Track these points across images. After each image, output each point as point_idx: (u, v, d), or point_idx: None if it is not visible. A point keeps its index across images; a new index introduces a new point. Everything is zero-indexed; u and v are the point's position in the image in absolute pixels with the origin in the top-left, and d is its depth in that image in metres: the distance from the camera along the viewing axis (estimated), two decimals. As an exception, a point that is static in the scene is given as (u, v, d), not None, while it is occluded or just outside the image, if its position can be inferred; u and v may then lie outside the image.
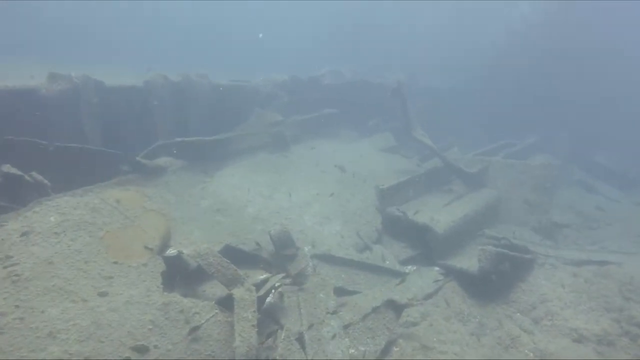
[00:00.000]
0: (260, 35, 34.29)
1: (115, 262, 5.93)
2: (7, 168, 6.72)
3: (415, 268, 8.66)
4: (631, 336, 6.78)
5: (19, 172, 6.78)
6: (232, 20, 43.88)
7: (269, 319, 6.34)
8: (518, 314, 7.61)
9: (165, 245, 6.74)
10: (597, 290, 7.81)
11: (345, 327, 6.33)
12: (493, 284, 7.79)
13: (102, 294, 5.46)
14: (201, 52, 30.81)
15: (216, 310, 5.78)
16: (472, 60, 22.82)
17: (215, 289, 6.52)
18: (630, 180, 16.48)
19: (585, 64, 20.15)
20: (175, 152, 9.57)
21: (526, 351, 6.63)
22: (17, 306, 4.98)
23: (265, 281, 6.72)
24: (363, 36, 30.29)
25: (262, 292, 6.40)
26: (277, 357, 5.47)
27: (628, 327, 6.93)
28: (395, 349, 6.29)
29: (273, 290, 6.64)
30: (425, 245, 8.98)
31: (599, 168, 16.64)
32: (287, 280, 6.99)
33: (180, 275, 6.57)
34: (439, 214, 9.39)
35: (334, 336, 5.99)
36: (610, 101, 20.22)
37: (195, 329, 5.43)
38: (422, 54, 26.28)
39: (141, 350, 5.02)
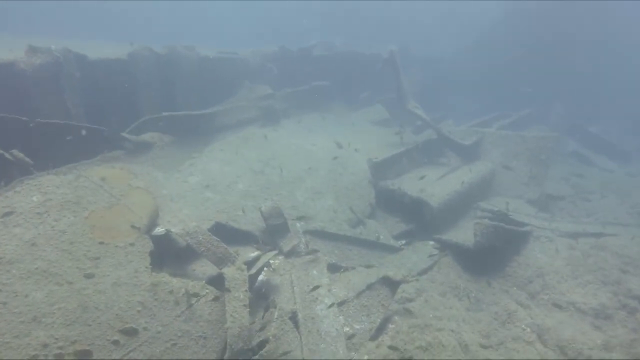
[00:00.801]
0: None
1: (102, 243, 5.72)
2: (-14, 146, 6.46)
3: (409, 243, 8.54)
4: (629, 309, 6.71)
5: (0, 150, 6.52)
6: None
7: (261, 298, 6.21)
8: (514, 288, 7.51)
9: (153, 224, 6.53)
10: (594, 262, 7.71)
11: (340, 304, 6.20)
12: (489, 258, 7.69)
13: (89, 276, 5.27)
14: (191, 28, 30.27)
15: (207, 290, 5.62)
16: (468, 30, 22.63)
17: (206, 268, 6.37)
18: (624, 151, 16.44)
19: (580, 36, 20.02)
20: (161, 124, 9.29)
21: (523, 326, 6.54)
22: (-1, 290, 4.80)
23: (256, 259, 6.59)
24: (358, 10, 29.84)
25: (253, 270, 6.26)
26: (270, 337, 5.34)
27: (625, 300, 6.86)
28: (390, 325, 6.17)
29: (265, 269, 6.50)
30: (420, 220, 8.85)
31: (593, 139, 16.56)
32: (279, 258, 6.83)
33: (169, 254, 6.40)
34: (433, 187, 9.24)
35: (327, 314, 5.86)
36: (604, 74, 20.17)
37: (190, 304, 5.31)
38: (418, 27, 25.99)
39: (130, 332, 4.87)
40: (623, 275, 7.39)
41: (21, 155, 6.70)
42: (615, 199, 11.31)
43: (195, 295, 5.48)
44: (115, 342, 4.73)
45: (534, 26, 20.62)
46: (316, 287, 6.11)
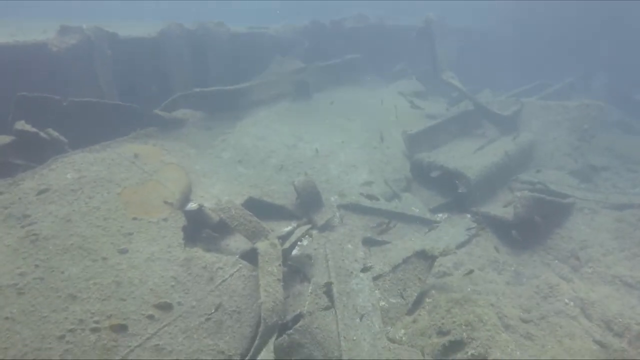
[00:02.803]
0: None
1: (135, 218, 5.73)
2: (22, 125, 6.49)
3: (446, 216, 8.34)
4: (681, 282, 6.40)
5: (34, 129, 6.55)
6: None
7: (295, 272, 6.14)
8: (556, 261, 7.24)
9: (186, 200, 6.51)
10: (642, 235, 7.39)
11: (375, 278, 6.08)
12: (529, 231, 7.44)
13: (122, 251, 5.28)
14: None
15: (240, 265, 5.57)
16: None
17: (239, 243, 6.32)
18: None
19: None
20: (193, 101, 9.26)
21: (566, 300, 6.29)
22: (36, 266, 4.84)
23: (290, 233, 6.50)
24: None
25: (287, 244, 6.17)
26: (305, 312, 5.26)
27: (677, 273, 6.54)
28: (427, 300, 6.02)
29: (299, 243, 6.42)
30: (457, 193, 8.62)
31: (638, 107, 15.91)
32: (314, 232, 6.74)
33: (203, 230, 6.38)
34: (470, 159, 8.98)
35: (362, 289, 5.76)
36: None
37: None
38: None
39: (164, 307, 4.86)
40: (674, 247, 7.06)
41: (56, 134, 6.75)
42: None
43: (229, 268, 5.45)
44: (150, 317, 4.72)
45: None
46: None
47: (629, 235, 7.41)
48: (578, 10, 19.35)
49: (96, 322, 4.50)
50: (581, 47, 18.81)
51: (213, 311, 4.99)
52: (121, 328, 4.53)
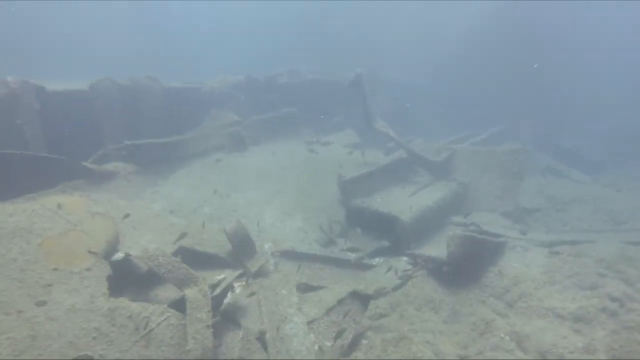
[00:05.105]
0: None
1: (56, 269, 5.45)
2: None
3: (383, 260, 8.34)
4: (609, 312, 6.53)
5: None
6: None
7: (227, 320, 5.94)
8: (491, 298, 7.31)
9: (112, 249, 6.28)
10: (571, 268, 7.56)
11: (310, 322, 5.96)
12: (463, 269, 7.52)
13: (40, 303, 4.99)
14: (161, 60, 30.14)
15: (168, 313, 5.35)
16: (436, 55, 22.99)
17: (169, 293, 6.10)
18: (596, 163, 16.61)
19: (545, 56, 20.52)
20: (123, 154, 9.08)
21: (502, 335, 6.33)
22: (-57, 322, 4.51)
23: (222, 281, 6.33)
24: (327, 37, 30.08)
25: (217, 290, 6.01)
26: (236, 358, 5.08)
27: (605, 303, 6.68)
28: (364, 341, 5.93)
29: (231, 290, 6.25)
30: (393, 236, 8.67)
31: (565, 153, 16.71)
32: (247, 279, 6.59)
33: (131, 280, 6.14)
34: (404, 203, 9.10)
35: (296, 333, 5.62)
36: (570, 91, 20.65)
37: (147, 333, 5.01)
38: (388, 54, 26.31)
39: (85, 360, 4.58)
40: (601, 279, 7.23)
41: (-26, 186, 6.45)
42: (590, 208, 11.29)
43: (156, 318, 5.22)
44: (68, 371, 4.45)
45: (498, 48, 21.07)
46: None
47: (559, 269, 7.60)
48: (503, 66, 20.44)
49: (8, 379, 4.20)
50: (507, 98, 19.80)
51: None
52: (35, 384, 4.24)
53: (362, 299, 6.41)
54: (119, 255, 6.08)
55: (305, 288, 6.96)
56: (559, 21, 21.81)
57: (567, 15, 22.42)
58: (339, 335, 5.86)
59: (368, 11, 32.00)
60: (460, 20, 25.00)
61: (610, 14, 28.36)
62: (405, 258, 8.27)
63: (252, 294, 6.27)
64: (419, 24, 30.42)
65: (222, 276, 6.50)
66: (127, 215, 7.31)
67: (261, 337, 5.55)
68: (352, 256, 8.01)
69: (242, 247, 6.83)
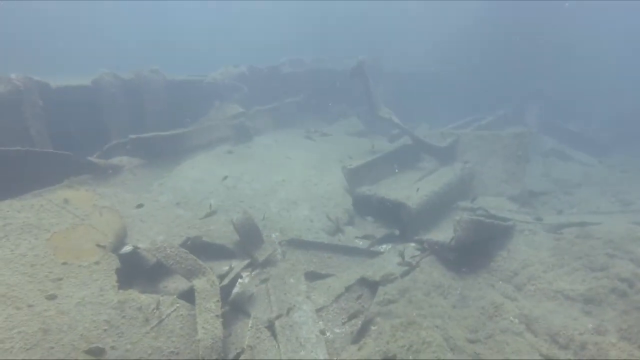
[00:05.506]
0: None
1: (65, 263, 5.48)
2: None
3: (390, 247, 8.34)
4: (618, 292, 6.50)
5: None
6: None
7: (237, 310, 5.97)
8: (500, 282, 7.30)
9: (120, 242, 6.31)
10: (580, 250, 7.52)
11: (318, 310, 5.98)
12: (472, 254, 7.51)
13: (50, 297, 5.02)
14: (165, 56, 30.21)
15: (178, 304, 5.38)
16: (441, 40, 22.90)
17: (178, 283, 6.13)
18: (602, 145, 16.52)
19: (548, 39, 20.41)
20: (128, 147, 9.10)
21: (511, 318, 6.33)
22: (-45, 318, 4.54)
23: (230, 271, 6.35)
24: (332, 27, 30.07)
25: (226, 281, 6.02)
26: (245, 347, 5.10)
27: (614, 284, 6.64)
28: (372, 327, 5.94)
29: (239, 280, 6.27)
30: (400, 223, 8.66)
31: (570, 136, 16.62)
32: (255, 268, 6.61)
33: (139, 273, 6.16)
34: (411, 190, 9.08)
35: (306, 321, 5.64)
36: (574, 74, 20.54)
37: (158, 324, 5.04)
38: (393, 43, 26.24)
39: (96, 352, 4.62)
40: (610, 259, 7.17)
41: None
42: (597, 190, 11.25)
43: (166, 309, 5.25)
44: (80, 362, 4.48)
45: (503, 32, 20.93)
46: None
47: (567, 251, 7.57)
48: (509, 47, 20.34)
49: (21, 372, 4.24)
50: (513, 81, 19.70)
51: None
52: (48, 376, 4.27)
53: (370, 285, 6.41)
54: (127, 248, 6.10)
55: (313, 276, 6.98)
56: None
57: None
58: (352, 317, 5.89)
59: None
60: (465, 5, 24.89)
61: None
62: (412, 244, 8.26)
63: (266, 280, 6.31)
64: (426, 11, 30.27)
65: (230, 266, 6.53)
66: (140, 205, 7.36)
67: (270, 326, 5.57)
68: (360, 244, 8.01)
69: (249, 237, 6.85)
